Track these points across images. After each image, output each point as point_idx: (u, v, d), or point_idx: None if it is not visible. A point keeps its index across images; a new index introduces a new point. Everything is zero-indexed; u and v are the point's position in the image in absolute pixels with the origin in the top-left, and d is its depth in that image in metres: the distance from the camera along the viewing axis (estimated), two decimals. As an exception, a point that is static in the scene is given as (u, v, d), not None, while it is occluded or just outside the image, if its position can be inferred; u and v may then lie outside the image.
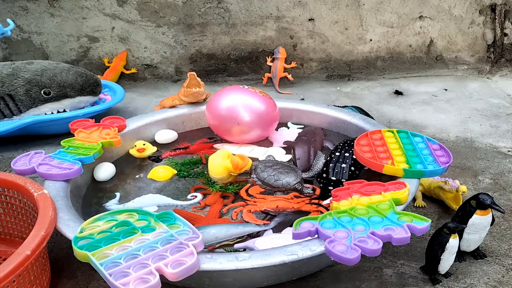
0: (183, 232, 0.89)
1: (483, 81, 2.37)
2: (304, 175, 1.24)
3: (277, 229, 1.05)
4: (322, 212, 1.07)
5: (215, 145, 1.47)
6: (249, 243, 0.99)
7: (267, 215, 1.11)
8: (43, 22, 2.38)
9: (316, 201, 1.14)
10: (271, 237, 1.00)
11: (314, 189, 1.19)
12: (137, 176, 1.33)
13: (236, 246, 1.00)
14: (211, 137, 1.52)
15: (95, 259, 0.81)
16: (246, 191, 1.19)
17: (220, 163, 1.24)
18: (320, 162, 1.27)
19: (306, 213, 1.07)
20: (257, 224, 1.05)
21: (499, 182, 1.39)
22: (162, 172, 1.31)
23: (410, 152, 1.17)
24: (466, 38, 2.47)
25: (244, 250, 0.99)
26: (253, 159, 1.32)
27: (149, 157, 1.42)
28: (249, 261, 0.83)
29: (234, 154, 1.25)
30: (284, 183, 1.18)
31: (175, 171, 1.33)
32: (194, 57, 2.46)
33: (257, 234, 1.04)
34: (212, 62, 2.46)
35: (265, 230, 1.04)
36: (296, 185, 1.18)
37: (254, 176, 1.23)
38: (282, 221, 1.08)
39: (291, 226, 1.04)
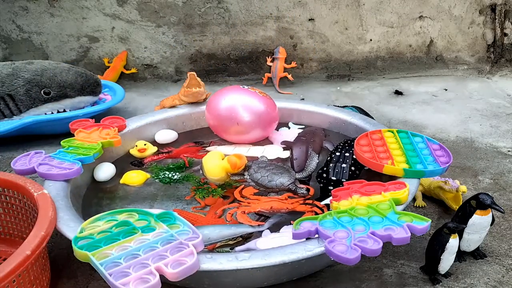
0: (183, 232, 0.89)
1: (483, 81, 2.37)
2: (298, 175, 1.24)
3: (273, 229, 1.05)
4: (316, 213, 1.07)
5: (209, 147, 1.45)
6: (250, 244, 0.98)
7: (261, 216, 1.10)
8: (43, 22, 2.38)
9: (310, 201, 1.13)
10: (271, 236, 1.00)
11: (308, 190, 1.18)
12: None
13: (237, 249, 0.98)
14: (197, 141, 1.51)
15: (95, 259, 0.81)
16: (240, 192, 1.18)
17: (218, 164, 1.24)
18: (313, 162, 1.27)
19: (301, 213, 1.07)
20: (251, 225, 1.04)
21: (499, 182, 1.39)
22: (135, 177, 1.30)
23: (410, 152, 1.17)
24: (466, 38, 2.47)
25: None
26: (252, 158, 1.31)
27: (131, 162, 1.39)
28: (249, 261, 0.83)
29: (226, 155, 1.25)
30: (278, 184, 1.18)
31: (148, 176, 1.31)
32: (194, 57, 2.46)
33: (250, 235, 1.04)
34: (212, 62, 2.46)
35: (261, 231, 1.04)
36: (290, 185, 1.18)
37: (248, 177, 1.22)
38: (277, 222, 1.07)
39: (288, 224, 1.04)
